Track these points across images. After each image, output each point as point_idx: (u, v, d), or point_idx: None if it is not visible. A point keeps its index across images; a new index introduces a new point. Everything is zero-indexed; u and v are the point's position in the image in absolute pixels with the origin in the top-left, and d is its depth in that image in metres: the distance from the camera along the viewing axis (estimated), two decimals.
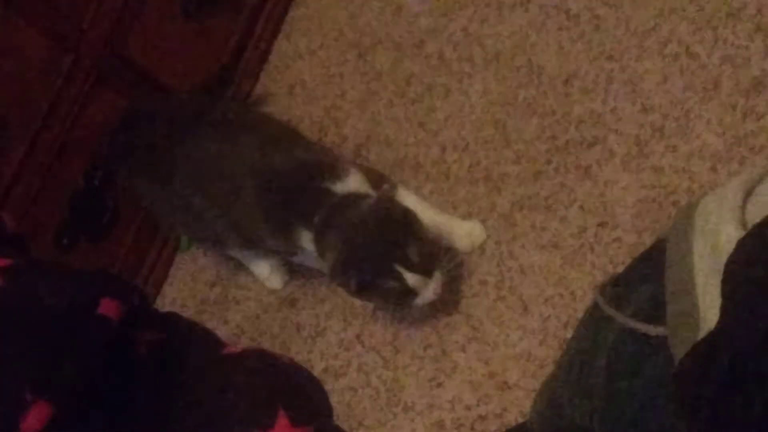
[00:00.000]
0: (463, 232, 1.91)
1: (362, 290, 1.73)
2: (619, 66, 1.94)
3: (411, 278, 1.69)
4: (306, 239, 1.78)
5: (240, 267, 2.11)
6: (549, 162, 1.90)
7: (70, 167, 2.00)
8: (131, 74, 2.08)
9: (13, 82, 1.89)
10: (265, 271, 2.07)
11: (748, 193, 1.21)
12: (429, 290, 1.72)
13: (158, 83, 2.13)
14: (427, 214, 1.84)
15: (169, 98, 2.13)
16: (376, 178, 1.88)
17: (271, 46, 2.35)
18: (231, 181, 1.86)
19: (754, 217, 1.16)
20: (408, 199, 1.87)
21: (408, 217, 1.74)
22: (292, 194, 1.81)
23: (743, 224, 1.16)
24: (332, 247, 1.74)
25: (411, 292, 1.71)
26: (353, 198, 1.77)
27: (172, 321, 0.98)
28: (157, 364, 0.90)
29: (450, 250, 1.87)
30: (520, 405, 1.68)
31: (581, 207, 1.83)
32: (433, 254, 1.74)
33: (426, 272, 1.71)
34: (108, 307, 0.87)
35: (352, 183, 1.80)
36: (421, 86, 2.13)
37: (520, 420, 1.63)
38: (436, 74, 2.12)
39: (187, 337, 0.97)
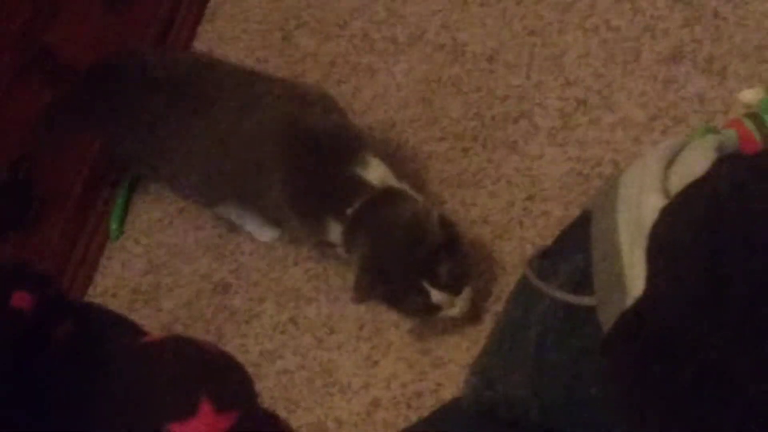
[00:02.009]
0: None
1: (386, 301, 1.70)
2: (541, 41, 1.96)
3: (436, 296, 1.64)
4: (335, 231, 1.71)
5: (173, 254, 2.09)
6: (476, 138, 1.91)
7: None
8: (54, 66, 2.06)
9: None
10: (257, 224, 1.99)
11: (670, 163, 1.23)
12: (455, 308, 1.68)
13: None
14: None
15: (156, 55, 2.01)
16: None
17: (195, 31, 2.33)
18: (250, 145, 1.77)
19: (676, 185, 1.18)
20: None
21: (445, 234, 1.66)
22: (323, 178, 1.71)
23: (666, 193, 1.18)
24: (361, 248, 1.68)
25: (435, 308, 1.67)
26: (390, 196, 1.70)
27: (89, 311, 0.98)
28: (73, 355, 0.90)
29: None
30: (456, 380, 1.69)
31: (509, 181, 1.85)
32: (465, 272, 1.68)
33: (454, 290, 1.66)
34: (21, 300, 0.86)
35: (379, 170, 1.72)
36: (347, 67, 2.13)
37: (456, 395, 1.64)
38: (360, 54, 2.13)
39: (104, 327, 0.96)
